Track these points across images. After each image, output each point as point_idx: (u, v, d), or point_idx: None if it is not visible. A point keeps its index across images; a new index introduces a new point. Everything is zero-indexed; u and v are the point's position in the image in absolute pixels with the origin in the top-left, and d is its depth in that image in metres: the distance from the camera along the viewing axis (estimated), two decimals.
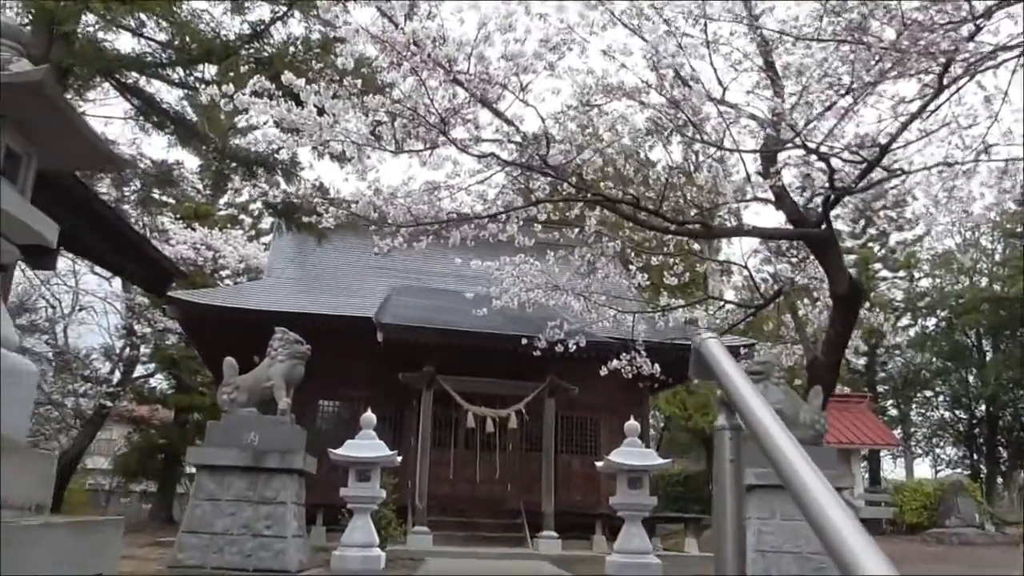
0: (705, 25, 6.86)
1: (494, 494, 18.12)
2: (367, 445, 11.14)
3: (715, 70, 7.37)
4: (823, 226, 7.81)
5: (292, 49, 9.27)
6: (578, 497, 18.71)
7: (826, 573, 6.49)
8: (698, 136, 7.23)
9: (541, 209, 8.40)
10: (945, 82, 6.35)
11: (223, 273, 26.73)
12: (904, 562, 15.38)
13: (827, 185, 7.34)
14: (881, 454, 36.46)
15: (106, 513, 32.94)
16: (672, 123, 7.25)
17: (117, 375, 27.06)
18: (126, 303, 25.48)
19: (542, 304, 10.51)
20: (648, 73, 7.00)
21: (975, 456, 40.06)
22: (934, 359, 39.58)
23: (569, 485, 18.68)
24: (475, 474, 17.84)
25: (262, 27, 9.53)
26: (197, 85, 10.08)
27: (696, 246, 11.48)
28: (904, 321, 38.66)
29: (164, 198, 23.22)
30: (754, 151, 7.58)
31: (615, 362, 11.12)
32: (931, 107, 7.43)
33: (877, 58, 6.06)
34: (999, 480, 38.94)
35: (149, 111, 11.64)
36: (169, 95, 11.53)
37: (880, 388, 41.12)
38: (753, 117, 7.70)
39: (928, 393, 42.22)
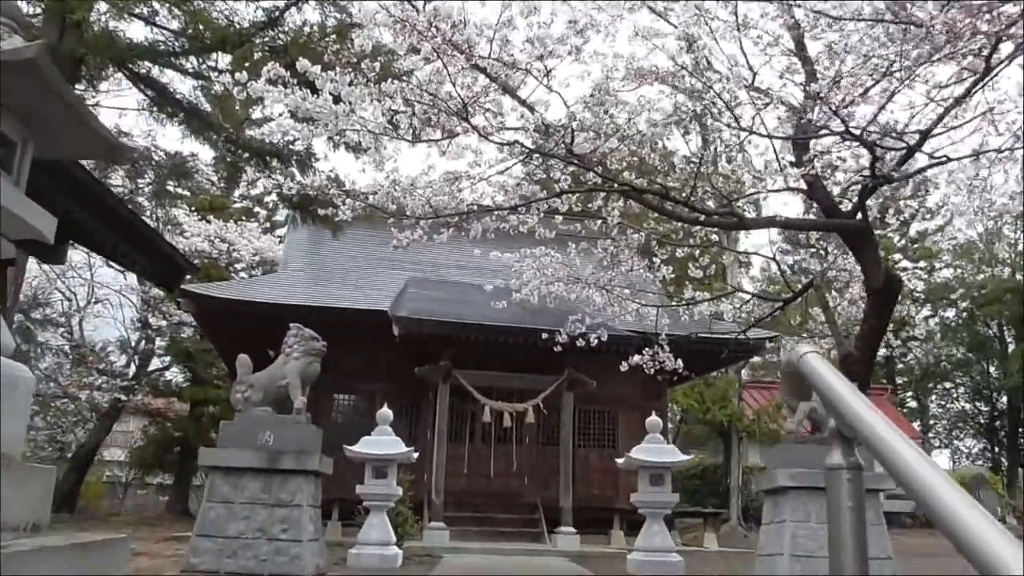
0: (736, 6, 6.59)
1: (511, 489, 17.93)
2: (383, 441, 10.98)
3: (745, 55, 7.10)
4: (858, 216, 7.53)
5: (307, 36, 9.03)
6: (596, 491, 18.52)
7: None
8: (731, 122, 6.95)
9: (563, 200, 8.15)
10: (993, 63, 6.04)
11: (238, 266, 26.65)
12: (924, 557, 15.09)
13: (867, 173, 7.04)
14: None
15: (123, 505, 33.06)
16: (703, 107, 6.96)
17: (132, 368, 27.05)
18: (141, 296, 25.42)
19: (562, 297, 10.26)
20: (676, 58, 6.74)
21: (996, 449, 39.62)
22: (955, 350, 39.13)
23: (587, 479, 18.48)
24: (491, 468, 17.66)
25: (276, 13, 9.31)
26: (210, 75, 9.87)
27: (715, 237, 11.20)
28: (924, 312, 38.21)
29: (179, 190, 23.13)
30: (788, 137, 7.28)
31: (636, 357, 10.87)
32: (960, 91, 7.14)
33: (921, 38, 5.76)
34: (1021, 473, 38.46)
35: (162, 102, 11.43)
36: (182, 85, 11.36)
37: (899, 380, 40.71)
38: (782, 102, 7.42)
39: (948, 385, 41.77)
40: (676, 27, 6.71)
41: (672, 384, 20.05)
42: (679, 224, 8.90)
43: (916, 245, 38.97)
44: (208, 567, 5.70)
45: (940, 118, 6.63)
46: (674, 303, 11.05)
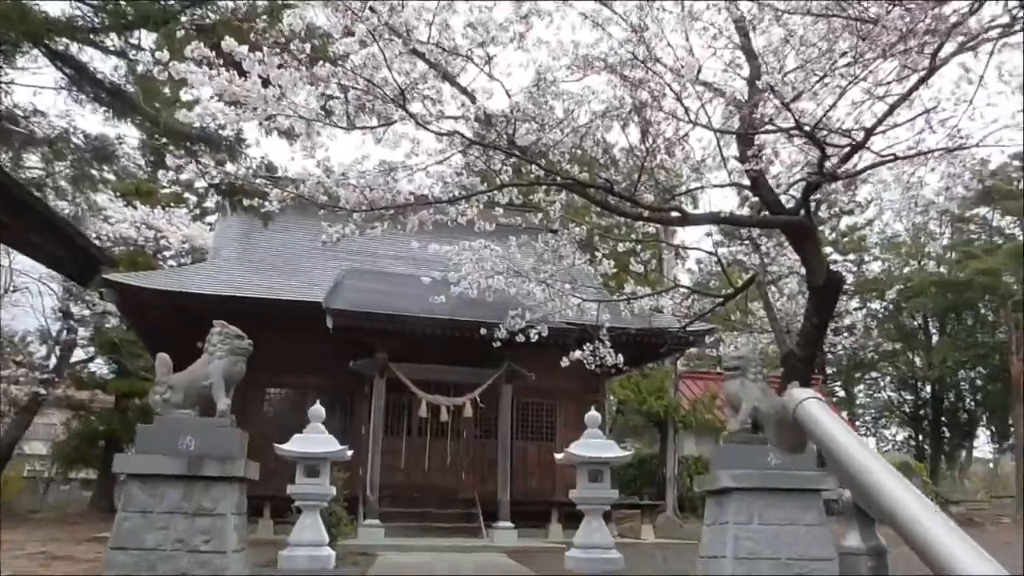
0: None
1: (448, 483, 17.72)
2: (316, 439, 10.61)
3: (691, 48, 6.95)
4: (801, 213, 7.47)
5: (238, 16, 8.56)
6: (534, 485, 18.43)
7: None
8: (678, 114, 6.81)
9: (503, 192, 7.91)
10: (937, 61, 6.00)
11: (167, 254, 25.78)
12: None
13: (810, 170, 6.98)
14: None
15: (46, 501, 31.81)
16: (653, 98, 6.79)
17: (53, 360, 25.94)
18: (63, 284, 24.36)
19: (502, 290, 10.03)
20: (623, 46, 6.53)
21: (920, 437, 40.89)
22: (881, 342, 40.21)
23: (525, 473, 18.37)
24: (429, 463, 17.42)
25: None
26: (132, 54, 9.33)
27: (651, 229, 11.09)
28: (853, 304, 39.14)
29: (105, 174, 22.16)
30: (735, 131, 7.17)
31: (577, 353, 10.72)
32: (899, 89, 7.13)
33: (871, 35, 5.68)
34: (943, 461, 39.79)
35: (82, 81, 10.80)
36: (104, 64, 10.72)
37: (828, 370, 41.65)
38: (727, 96, 7.30)
39: (875, 375, 42.90)
40: (622, 16, 6.52)
41: (610, 376, 20.05)
42: (621, 218, 8.75)
43: (846, 239, 39.83)
44: None
45: (885, 115, 6.59)
46: (615, 298, 10.92)
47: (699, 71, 6.59)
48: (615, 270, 11.03)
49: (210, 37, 7.42)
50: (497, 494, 16.55)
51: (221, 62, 6.17)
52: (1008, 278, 31.92)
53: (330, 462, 10.74)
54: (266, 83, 6.51)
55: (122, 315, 19.86)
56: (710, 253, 10.29)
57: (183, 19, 8.84)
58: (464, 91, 6.66)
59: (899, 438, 43.59)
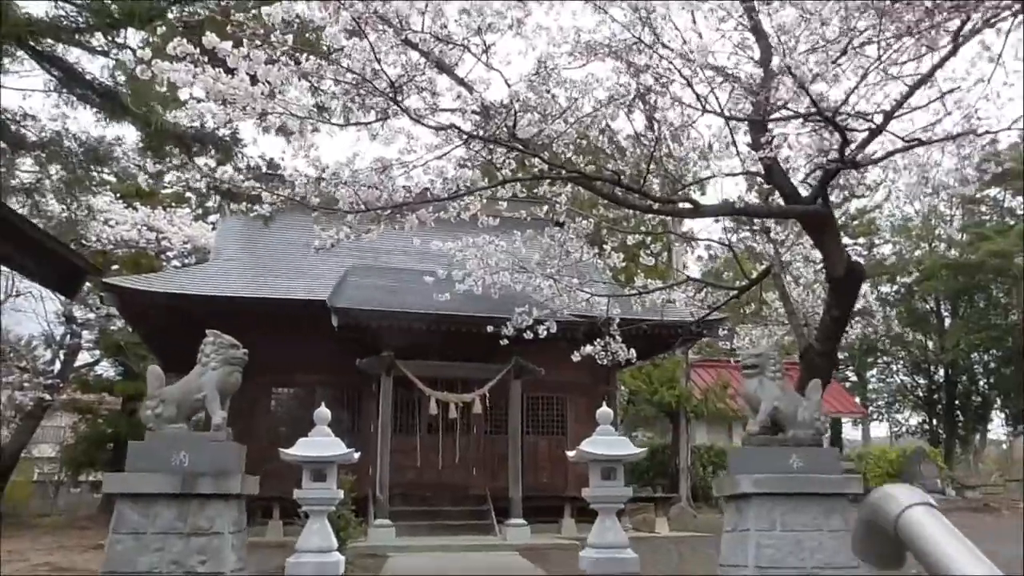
0: None
1: (459, 480, 17.48)
2: (322, 443, 10.36)
3: (698, 31, 6.63)
4: (818, 202, 7.16)
5: (225, 11, 8.27)
6: (545, 480, 18.18)
7: None
8: (688, 101, 6.49)
9: (507, 187, 7.61)
10: (960, 38, 5.68)
11: (170, 255, 25.57)
12: None
13: (831, 157, 6.65)
14: (842, 420, 36.65)
15: (55, 505, 31.73)
16: (661, 84, 6.47)
17: (57, 365, 25.78)
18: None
19: (508, 287, 9.74)
20: (629, 29, 6.23)
21: (934, 422, 40.51)
22: (893, 325, 39.74)
23: (536, 467, 18.13)
24: (439, 460, 17.17)
25: None
26: (118, 52, 9.06)
27: (653, 219, 10.77)
28: (864, 288, 38.70)
29: (104, 176, 21.93)
30: (749, 118, 6.85)
31: (588, 348, 10.44)
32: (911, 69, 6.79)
33: (894, 14, 5.36)
34: (957, 445, 39.42)
35: (71, 83, 10.55)
36: (92, 65, 10.48)
37: (840, 355, 41.27)
38: (735, 79, 6.98)
39: (887, 359, 42.49)
40: None
41: (621, 367, 19.78)
42: (629, 211, 8.45)
43: (855, 222, 39.39)
44: None
45: (907, 96, 6.27)
46: (625, 292, 10.62)
47: (708, 53, 6.27)
48: (624, 263, 10.72)
49: (197, 34, 7.10)
50: (508, 490, 16.31)
51: (206, 59, 5.89)
52: (1020, 259, 31.50)
53: (337, 465, 10.51)
54: (255, 80, 6.23)
55: (123, 319, 19.63)
56: (724, 244, 10.01)
57: (170, 16, 8.55)
58: (461, 82, 6.36)
59: (912, 422, 43.18)
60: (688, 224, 11.16)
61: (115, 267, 24.24)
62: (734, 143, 7.29)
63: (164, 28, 6.95)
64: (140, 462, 5.59)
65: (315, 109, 6.25)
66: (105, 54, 9.48)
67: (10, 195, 12.61)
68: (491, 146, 6.87)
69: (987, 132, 6.58)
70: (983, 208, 36.61)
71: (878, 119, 6.51)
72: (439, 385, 16.23)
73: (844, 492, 6.21)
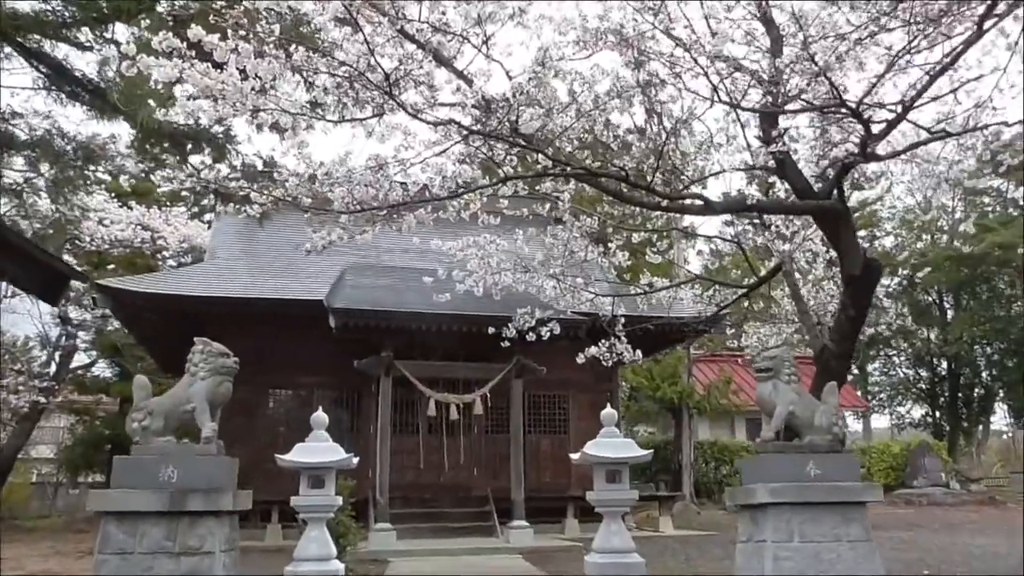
0: None
1: (460, 481, 17.24)
2: (319, 448, 10.08)
3: (707, 19, 6.36)
4: (832, 197, 6.90)
5: (215, 4, 7.99)
6: (548, 479, 17.97)
7: None
8: (704, 93, 6.21)
9: (507, 184, 7.33)
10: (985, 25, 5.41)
11: (165, 254, 25.32)
12: (881, 528, 14.93)
13: (851, 149, 6.38)
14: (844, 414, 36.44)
15: (54, 506, 31.47)
16: (674, 74, 6.20)
17: (53, 367, 25.51)
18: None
19: (511, 287, 9.47)
20: (638, 16, 5.97)
21: (937, 414, 40.29)
22: (896, 318, 39.48)
23: (538, 467, 17.92)
24: (440, 461, 16.93)
25: None
26: (106, 48, 8.79)
27: (667, 217, 10.50)
28: None
29: (99, 175, 21.66)
30: (763, 110, 6.57)
31: (593, 349, 10.18)
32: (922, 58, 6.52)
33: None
34: (961, 438, 39.21)
35: (60, 79, 10.27)
36: (81, 62, 10.20)
37: None
38: (747, 70, 6.71)
39: (890, 352, 42.25)
40: None
41: (623, 364, 19.54)
42: (635, 208, 8.18)
43: (857, 214, 39.11)
44: None
45: (928, 84, 6.00)
46: (631, 292, 10.35)
47: (726, 40, 5.98)
48: (630, 261, 10.46)
49: (186, 28, 6.82)
50: (511, 491, 16.07)
51: (193, 54, 5.62)
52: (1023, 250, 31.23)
53: (335, 471, 10.27)
54: (246, 75, 5.96)
55: (118, 320, 19.36)
56: (731, 241, 9.69)
57: (159, 10, 8.26)
58: (460, 75, 6.08)
59: (915, 415, 42.96)
60: (688, 219, 10.92)
61: (111, 267, 23.98)
62: (744, 137, 7.03)
63: (150, 22, 6.67)
64: (126, 478, 5.33)
65: (308, 105, 5.98)
66: (93, 50, 9.20)
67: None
68: (492, 142, 6.59)
69: (1006, 124, 6.30)
70: (986, 199, 36.31)
71: (890, 112, 6.23)
72: (439, 385, 15.98)
73: (864, 500, 5.96)
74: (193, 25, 5.31)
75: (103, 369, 27.15)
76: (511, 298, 10.80)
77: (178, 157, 11.48)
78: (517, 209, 9.02)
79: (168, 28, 6.55)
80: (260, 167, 14.28)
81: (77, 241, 21.63)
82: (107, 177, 22.43)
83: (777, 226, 9.40)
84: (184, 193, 26.59)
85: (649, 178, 6.94)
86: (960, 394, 39.36)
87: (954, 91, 6.11)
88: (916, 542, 14.72)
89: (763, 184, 9.29)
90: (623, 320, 9.87)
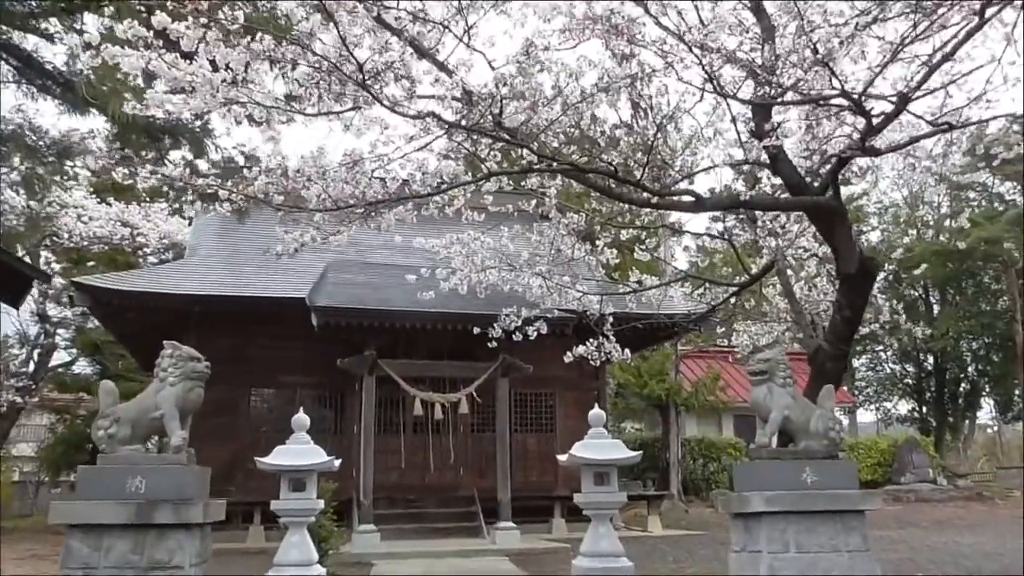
0: None
1: (446, 481, 17.00)
2: (300, 451, 9.82)
3: (697, 10, 6.13)
4: (828, 193, 6.69)
5: None
6: (535, 478, 17.75)
7: None
8: (694, 84, 5.98)
9: (491, 179, 7.08)
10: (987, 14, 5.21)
11: (147, 251, 24.94)
12: (871, 527, 14.79)
13: (847, 142, 6.17)
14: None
15: (36, 506, 30.99)
16: (666, 64, 5.96)
17: (32, 365, 25.10)
18: (38, 287, 23.48)
19: (496, 286, 9.23)
20: (623, 7, 5.74)
21: (924, 409, 40.36)
22: (890, 314, 39.41)
23: (525, 466, 17.69)
24: (425, 461, 16.69)
25: None
26: (65, 37, 8.48)
27: (655, 215, 10.30)
28: None
29: (77, 170, 21.26)
30: (760, 102, 6.35)
31: (580, 348, 9.96)
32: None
33: None
34: (947, 433, 39.29)
35: (30, 72, 9.95)
36: (50, 52, 9.88)
37: None
38: (733, 60, 6.48)
39: (877, 347, 42.28)
40: None
41: (610, 361, 19.36)
42: (623, 204, 7.95)
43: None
44: None
45: (928, 75, 5.80)
46: (619, 291, 10.14)
47: (722, 26, 5.76)
48: (618, 260, 10.25)
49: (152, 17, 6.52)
50: (497, 491, 15.83)
51: (160, 43, 5.34)
52: (1009, 245, 31.26)
53: (317, 474, 10.02)
54: (216, 67, 5.68)
55: (96, 318, 19.00)
56: (722, 238, 9.48)
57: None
58: (441, 66, 5.83)
59: (902, 410, 43.01)
60: (676, 215, 10.75)
61: (91, 264, 23.60)
62: (736, 130, 6.81)
63: (117, 10, 6.39)
64: (91, 489, 5.06)
65: (282, 98, 5.72)
66: (63, 41, 8.89)
67: None
68: (475, 136, 6.34)
69: (1014, 117, 6.11)
70: (971, 194, 36.33)
71: (889, 104, 6.02)
72: (424, 384, 15.73)
73: (863, 509, 5.76)
74: (158, 12, 5.04)
75: (84, 367, 26.78)
76: (497, 296, 10.57)
77: (155, 152, 11.16)
78: (502, 205, 8.79)
79: (137, 16, 6.27)
80: (242, 161, 13.97)
81: (55, 238, 21.24)
82: (86, 172, 22.05)
83: (767, 222, 9.22)
84: (164, 189, 26.20)
85: (638, 174, 6.70)
86: (946, 389, 39.44)
87: (947, 85, 5.91)
88: (906, 541, 14.60)
89: (749, 179, 9.09)
90: (611, 319, 9.66)
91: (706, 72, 5.83)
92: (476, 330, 10.38)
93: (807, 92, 5.99)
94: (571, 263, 8.87)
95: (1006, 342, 35.73)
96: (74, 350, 26.23)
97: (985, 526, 17.60)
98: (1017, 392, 37.21)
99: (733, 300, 9.58)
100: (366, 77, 5.34)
